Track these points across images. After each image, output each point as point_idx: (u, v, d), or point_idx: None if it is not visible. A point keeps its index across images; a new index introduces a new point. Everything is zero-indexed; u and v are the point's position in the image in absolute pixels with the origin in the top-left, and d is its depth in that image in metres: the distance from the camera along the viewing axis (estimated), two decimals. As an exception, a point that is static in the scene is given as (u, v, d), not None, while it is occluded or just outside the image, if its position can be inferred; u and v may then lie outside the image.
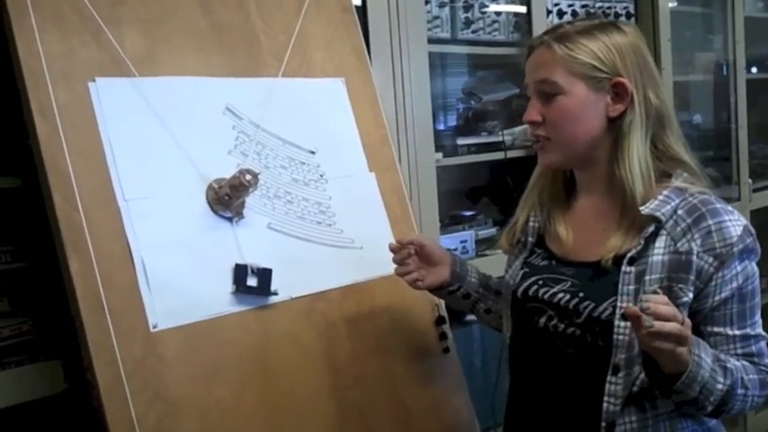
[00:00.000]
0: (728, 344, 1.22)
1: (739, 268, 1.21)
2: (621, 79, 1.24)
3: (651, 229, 1.22)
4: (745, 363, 1.22)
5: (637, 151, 1.24)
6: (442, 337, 1.62)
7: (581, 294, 1.25)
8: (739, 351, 1.22)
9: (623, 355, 1.20)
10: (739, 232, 1.21)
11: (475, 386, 1.72)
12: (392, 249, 1.43)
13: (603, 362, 1.22)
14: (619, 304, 1.20)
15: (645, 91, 1.26)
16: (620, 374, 1.20)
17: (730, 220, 1.21)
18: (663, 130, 1.27)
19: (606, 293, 1.22)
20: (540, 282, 1.32)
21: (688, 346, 1.08)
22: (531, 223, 1.38)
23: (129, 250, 1.28)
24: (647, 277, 1.20)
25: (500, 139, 2.27)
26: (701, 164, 1.32)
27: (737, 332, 1.22)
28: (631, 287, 1.21)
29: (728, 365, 1.18)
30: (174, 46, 1.43)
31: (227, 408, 1.31)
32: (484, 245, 2.21)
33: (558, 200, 1.38)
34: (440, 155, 2.07)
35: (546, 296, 1.30)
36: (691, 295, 1.20)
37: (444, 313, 1.65)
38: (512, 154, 2.25)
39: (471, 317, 1.65)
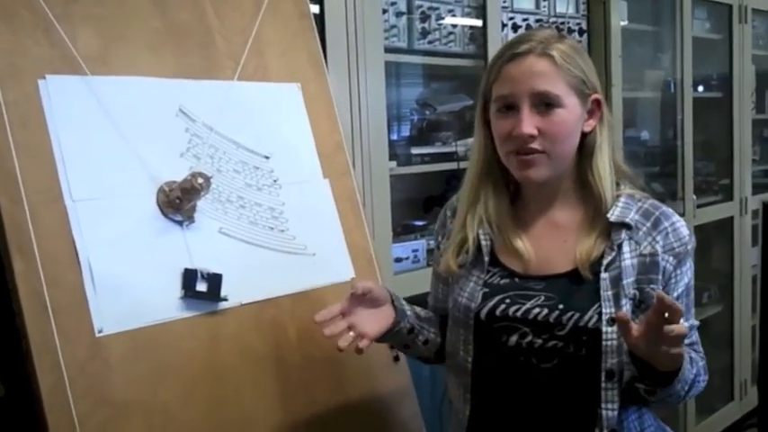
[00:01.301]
0: None
1: (688, 265, 1.29)
2: (598, 95, 1.28)
3: (623, 235, 1.26)
4: (692, 351, 1.28)
5: (609, 163, 1.29)
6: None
7: (561, 306, 1.24)
8: (686, 341, 1.25)
9: (614, 360, 1.22)
10: (688, 232, 1.30)
11: (424, 396, 1.73)
12: (324, 319, 1.25)
13: (584, 372, 1.23)
14: (603, 310, 1.22)
15: (604, 107, 1.30)
16: (615, 379, 1.22)
17: (678, 221, 1.30)
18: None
19: (589, 301, 1.23)
20: (508, 300, 1.28)
21: None
22: (483, 242, 1.33)
23: (76, 252, 1.25)
24: (624, 281, 1.24)
25: (453, 149, 2.29)
26: (642, 178, 1.37)
27: (685, 324, 1.25)
28: (610, 292, 1.23)
29: (692, 355, 1.25)
30: (127, 45, 1.41)
31: (172, 413, 1.29)
32: (435, 254, 2.22)
33: (507, 214, 1.34)
34: (394, 163, 2.08)
35: (518, 314, 1.26)
36: None
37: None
38: (465, 164, 2.26)
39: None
